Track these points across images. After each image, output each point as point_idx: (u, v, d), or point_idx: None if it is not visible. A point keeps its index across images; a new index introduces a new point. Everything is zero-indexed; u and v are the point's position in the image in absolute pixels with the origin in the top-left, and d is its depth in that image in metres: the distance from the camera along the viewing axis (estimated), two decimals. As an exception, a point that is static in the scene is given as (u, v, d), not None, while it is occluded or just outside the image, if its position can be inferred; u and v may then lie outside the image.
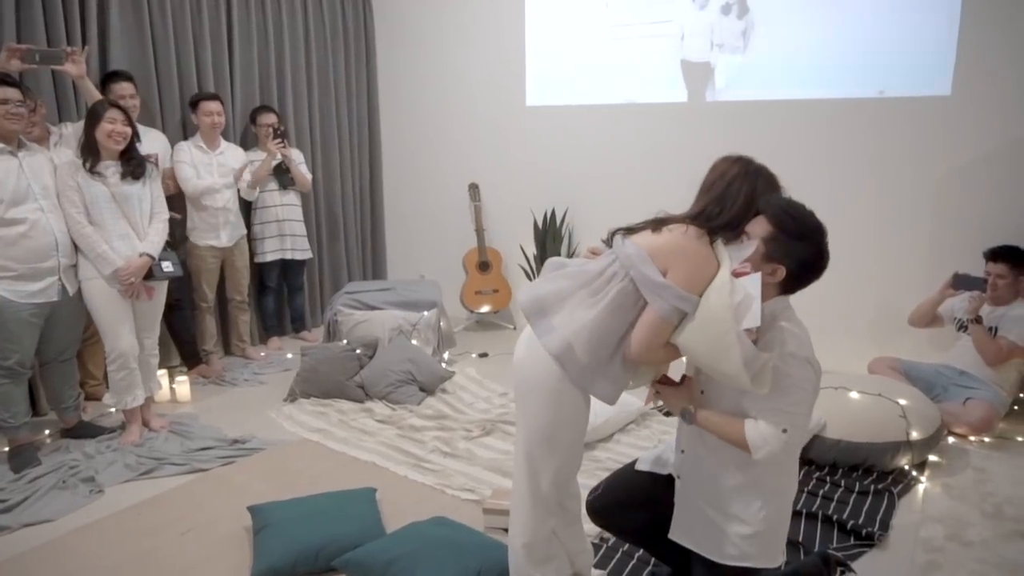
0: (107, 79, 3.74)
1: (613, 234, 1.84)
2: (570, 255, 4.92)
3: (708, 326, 1.68)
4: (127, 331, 3.29)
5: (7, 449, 3.16)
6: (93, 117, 3.15)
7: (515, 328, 4.39)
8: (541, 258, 4.86)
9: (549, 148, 4.88)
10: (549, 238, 4.79)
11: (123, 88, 3.72)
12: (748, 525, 1.79)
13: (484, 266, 5.11)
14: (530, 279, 4.95)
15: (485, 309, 5.11)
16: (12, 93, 2.95)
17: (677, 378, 1.96)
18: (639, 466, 2.11)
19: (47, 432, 3.45)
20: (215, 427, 3.53)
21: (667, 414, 3.58)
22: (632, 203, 4.47)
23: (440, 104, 5.30)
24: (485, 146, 5.16)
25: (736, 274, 1.69)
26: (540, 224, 4.87)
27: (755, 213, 1.75)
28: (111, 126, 3.13)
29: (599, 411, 3.19)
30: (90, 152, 3.15)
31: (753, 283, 1.66)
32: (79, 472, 3.04)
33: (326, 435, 3.42)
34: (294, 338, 4.96)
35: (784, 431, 1.69)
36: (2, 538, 2.61)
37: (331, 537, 2.39)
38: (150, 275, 3.29)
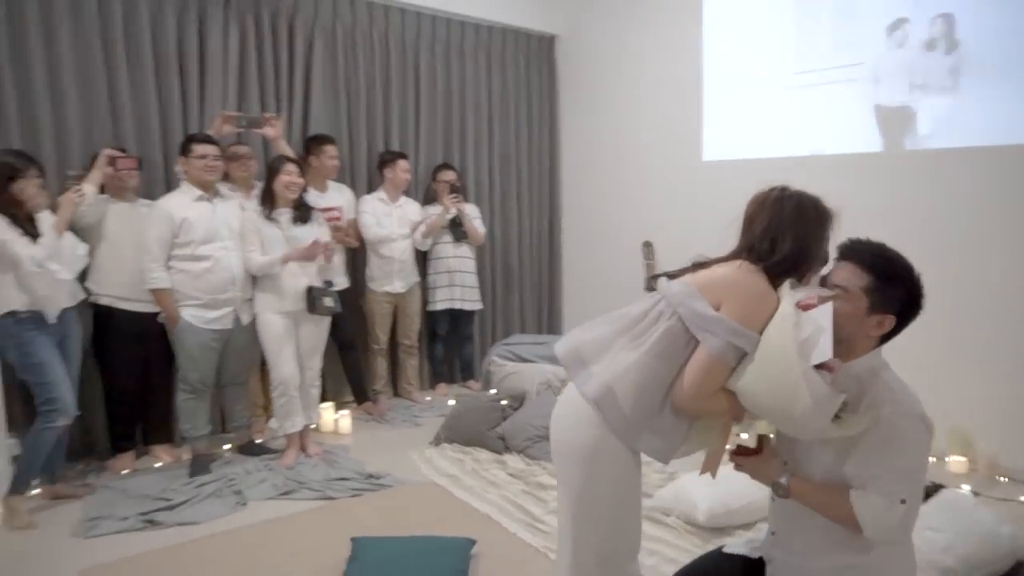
0: (314, 141, 4.24)
1: (652, 278, 1.65)
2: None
3: (769, 365, 1.44)
4: (289, 361, 3.62)
5: (191, 457, 3.61)
6: (273, 170, 3.59)
7: None
8: (711, 321, 4.50)
9: (726, 205, 4.53)
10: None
11: (331, 150, 4.20)
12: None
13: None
14: (699, 343, 4.60)
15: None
16: (211, 150, 3.47)
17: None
18: (728, 549, 1.81)
19: (227, 447, 3.87)
20: (360, 460, 3.70)
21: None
22: None
23: (616, 160, 5.25)
24: (660, 203, 4.99)
25: (802, 306, 1.41)
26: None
27: (823, 255, 1.51)
28: (288, 178, 3.53)
29: (740, 492, 2.82)
30: (268, 200, 3.58)
31: (824, 315, 1.41)
32: (234, 485, 3.36)
33: (455, 481, 3.42)
34: (461, 386, 5.10)
35: (902, 502, 1.41)
36: (154, 532, 2.96)
37: (408, 580, 2.35)
38: (312, 308, 3.60)
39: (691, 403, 1.54)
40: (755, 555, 1.72)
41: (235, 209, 3.59)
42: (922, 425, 1.46)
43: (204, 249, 3.42)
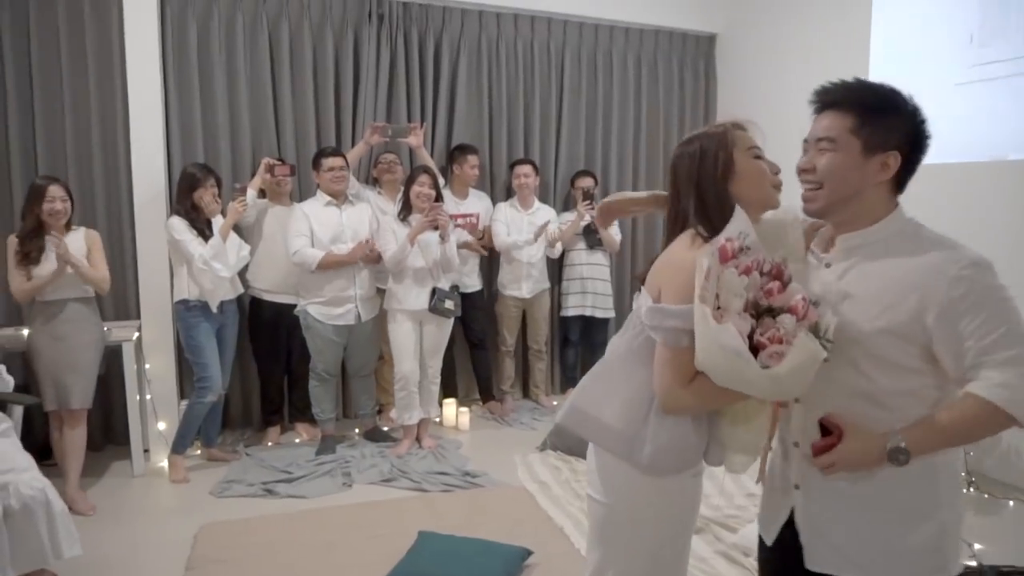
0: (459, 151, 4.49)
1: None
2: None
3: (698, 331, 1.27)
4: (411, 358, 3.86)
5: (320, 436, 4.01)
6: (410, 179, 3.85)
7: None
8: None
9: (912, 214, 4.05)
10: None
11: (472, 159, 4.43)
12: (933, 517, 1.28)
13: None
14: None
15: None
16: (338, 162, 3.82)
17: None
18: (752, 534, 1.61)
19: (356, 431, 4.24)
20: (465, 457, 3.86)
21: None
22: (1009, 285, 3.45)
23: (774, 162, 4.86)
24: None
25: (723, 251, 1.28)
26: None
27: (756, 171, 1.40)
28: (419, 188, 3.77)
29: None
30: (405, 207, 3.84)
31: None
32: (347, 467, 3.68)
33: (544, 489, 3.43)
34: (593, 393, 5.06)
35: None
36: (270, 500, 3.35)
37: (447, 579, 2.43)
38: (434, 308, 3.81)
39: (668, 403, 1.40)
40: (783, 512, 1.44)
41: (363, 215, 3.91)
42: (984, 270, 1.22)
43: (331, 250, 3.77)
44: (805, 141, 1.41)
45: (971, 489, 3.44)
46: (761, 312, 1.25)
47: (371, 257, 3.81)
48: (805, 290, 1.28)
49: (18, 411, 2.78)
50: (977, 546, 2.87)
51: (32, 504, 2.21)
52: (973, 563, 2.76)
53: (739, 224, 1.31)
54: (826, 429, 1.31)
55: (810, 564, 1.37)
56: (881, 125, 1.30)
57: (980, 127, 3.58)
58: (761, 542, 1.51)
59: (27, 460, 2.41)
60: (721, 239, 1.29)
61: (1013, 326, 1.20)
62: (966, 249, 1.26)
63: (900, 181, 1.34)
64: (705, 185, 1.40)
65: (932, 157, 4.04)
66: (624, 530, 1.48)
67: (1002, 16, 3.48)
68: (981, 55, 3.57)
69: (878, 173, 1.31)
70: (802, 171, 1.36)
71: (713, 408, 1.43)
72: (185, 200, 3.53)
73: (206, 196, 3.54)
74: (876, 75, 4.03)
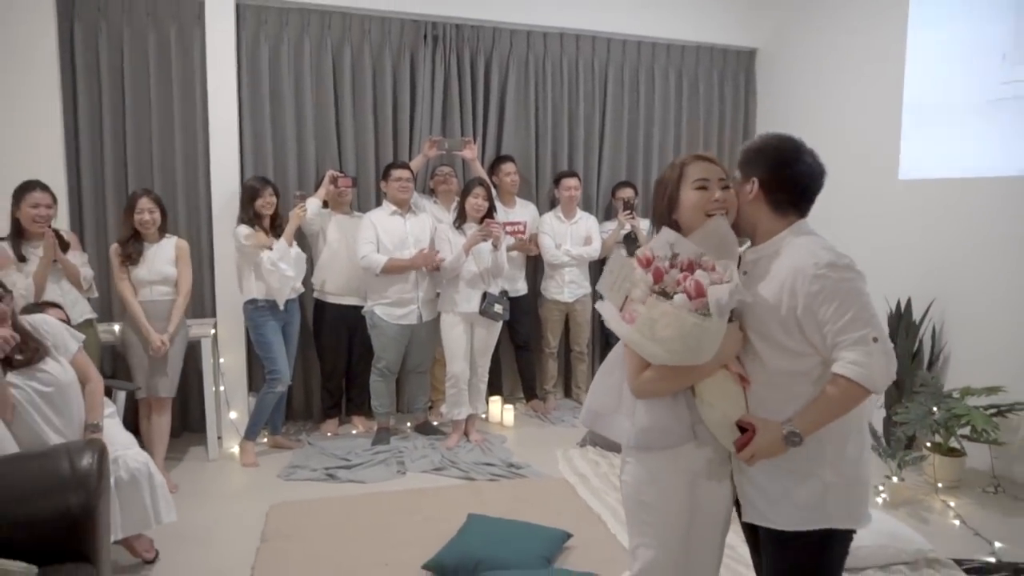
0: (496, 161, 4.79)
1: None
2: (932, 355, 4.07)
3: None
4: (462, 358, 4.15)
5: (376, 429, 4.32)
6: (466, 191, 4.14)
7: (873, 431, 3.80)
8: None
9: (921, 228, 4.17)
10: (902, 331, 4.06)
11: (508, 167, 4.72)
12: (817, 478, 1.58)
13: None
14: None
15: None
16: (406, 173, 4.13)
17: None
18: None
19: (408, 424, 4.54)
20: (510, 451, 4.12)
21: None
22: (1020, 297, 3.57)
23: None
24: (851, 222, 4.66)
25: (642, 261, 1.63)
26: (893, 313, 4.17)
27: (671, 201, 1.69)
28: (475, 200, 4.05)
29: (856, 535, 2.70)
30: (460, 216, 4.13)
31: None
32: (401, 456, 3.98)
33: (583, 481, 3.67)
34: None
35: (875, 339, 1.48)
36: (331, 484, 3.67)
37: (495, 557, 2.68)
38: (484, 312, 4.08)
39: (633, 386, 1.64)
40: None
41: (424, 224, 4.21)
42: (838, 268, 1.52)
43: (395, 256, 4.08)
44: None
45: (997, 491, 3.56)
46: (667, 295, 1.56)
47: (431, 263, 4.10)
48: (730, 283, 1.53)
49: (121, 397, 3.15)
50: (998, 544, 3.01)
51: (138, 476, 2.55)
52: (992, 559, 2.90)
53: (662, 239, 1.63)
54: (743, 428, 1.60)
55: (743, 518, 1.71)
56: (750, 159, 1.70)
57: (1013, 143, 3.70)
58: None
59: (130, 438, 2.77)
60: (645, 251, 1.61)
61: (859, 311, 1.49)
62: (828, 253, 1.55)
63: (777, 204, 1.65)
64: (658, 213, 1.73)
65: (956, 171, 4.30)
66: (638, 506, 1.70)
67: (1031, 36, 3.59)
68: (1014, 73, 3.69)
69: (748, 196, 1.67)
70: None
71: (669, 387, 1.62)
72: (248, 209, 3.89)
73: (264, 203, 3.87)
74: (910, 90, 4.21)
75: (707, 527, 1.70)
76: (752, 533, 1.76)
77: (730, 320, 1.60)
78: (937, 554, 2.83)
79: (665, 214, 1.70)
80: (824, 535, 1.59)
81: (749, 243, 1.72)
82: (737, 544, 2.93)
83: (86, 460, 2.02)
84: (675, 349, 1.53)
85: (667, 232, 1.65)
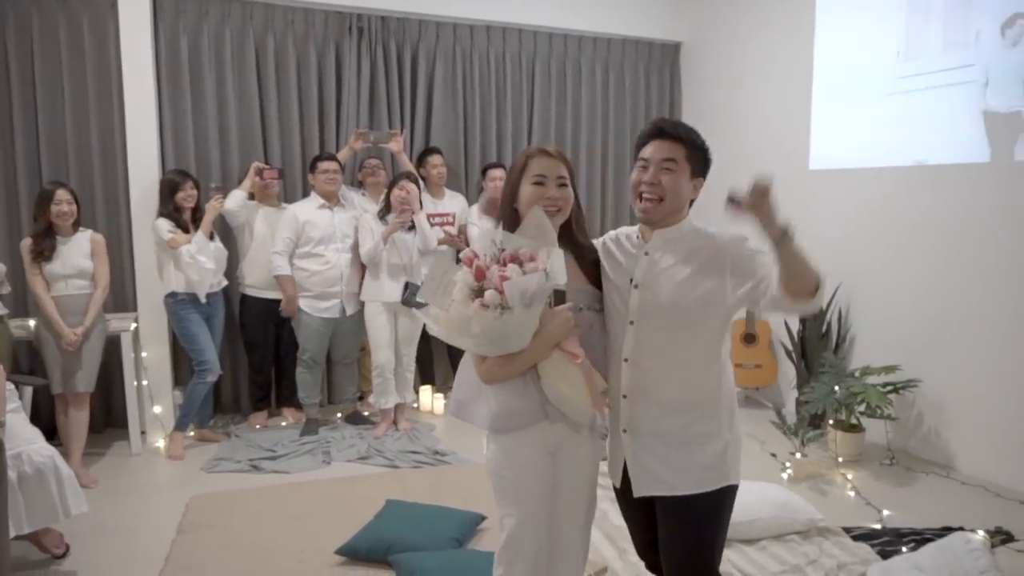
0: (424, 153, 4.83)
1: None
2: (839, 337, 4.29)
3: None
4: (386, 347, 4.19)
5: (304, 421, 4.34)
6: (391, 184, 4.17)
7: (778, 409, 3.98)
8: (803, 336, 4.35)
9: (829, 215, 4.37)
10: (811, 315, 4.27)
11: (435, 159, 4.76)
12: (719, 438, 1.72)
13: (749, 338, 4.78)
14: (791, 359, 4.46)
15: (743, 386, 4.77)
16: (333, 165, 4.15)
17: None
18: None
19: (338, 415, 4.57)
20: (437, 439, 4.19)
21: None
22: (919, 280, 3.87)
23: (728, 167, 5.17)
24: (767, 212, 4.86)
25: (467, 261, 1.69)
26: (804, 298, 4.37)
27: (512, 195, 1.77)
28: (399, 192, 4.08)
29: (749, 507, 2.86)
30: (386, 207, 4.16)
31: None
32: (327, 446, 4.01)
33: (505, 465, 3.76)
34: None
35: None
36: (255, 475, 3.68)
37: (407, 540, 2.75)
38: (406, 301, 4.13)
39: (480, 375, 1.74)
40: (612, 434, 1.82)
41: (351, 217, 4.24)
42: (742, 237, 1.71)
43: (320, 249, 4.10)
44: (643, 159, 1.75)
45: (891, 464, 3.78)
46: (481, 292, 1.61)
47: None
48: (537, 273, 1.58)
49: (28, 392, 3.11)
50: (886, 512, 3.21)
51: (43, 469, 2.53)
52: (878, 526, 3.10)
53: (486, 236, 1.69)
54: (734, 200, 1.57)
55: (636, 492, 1.76)
56: (699, 157, 1.74)
57: (904, 134, 3.91)
58: (613, 486, 1.88)
59: (35, 432, 2.74)
60: (468, 252, 1.66)
61: (760, 256, 1.66)
62: (729, 232, 1.73)
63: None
64: (503, 200, 1.80)
65: (863, 161, 4.53)
66: (499, 481, 1.78)
67: (923, 35, 3.80)
68: (906, 69, 3.89)
69: (693, 192, 1.76)
70: (649, 184, 1.70)
71: (509, 372, 1.69)
72: (168, 202, 3.86)
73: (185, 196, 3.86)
74: (819, 85, 4.40)
75: (569, 496, 1.80)
76: (644, 511, 1.81)
77: (558, 304, 1.67)
78: (828, 523, 3.00)
79: (507, 203, 1.78)
80: (722, 492, 1.72)
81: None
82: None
83: (-23, 455, 2.01)
84: (482, 343, 1.63)
85: (490, 229, 1.75)
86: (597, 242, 1.90)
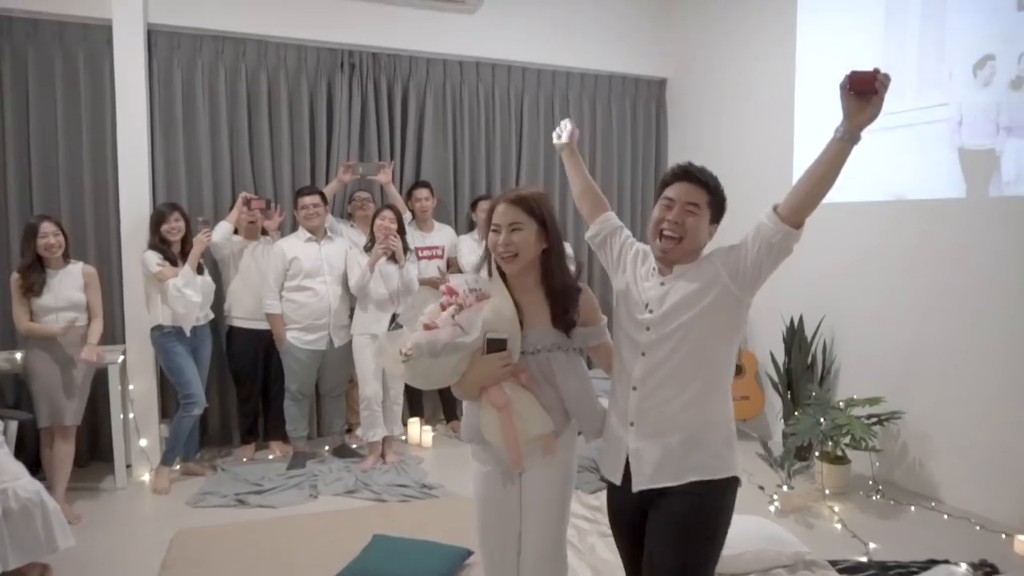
0: (413, 187, 4.88)
1: None
2: (824, 369, 4.33)
3: None
4: (373, 379, 4.20)
5: (291, 454, 4.32)
6: (374, 216, 4.21)
7: (764, 441, 4.00)
8: (788, 368, 4.39)
9: (811, 248, 4.41)
10: (795, 346, 4.32)
11: (421, 192, 4.81)
12: (724, 428, 1.77)
13: (736, 370, 4.80)
14: (777, 390, 4.49)
15: (735, 415, 4.80)
16: (312, 200, 4.19)
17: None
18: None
19: (326, 448, 4.55)
20: (425, 472, 4.18)
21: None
22: (901, 312, 3.92)
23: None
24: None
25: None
26: (787, 328, 4.43)
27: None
28: (380, 222, 4.13)
29: (737, 541, 2.85)
30: (371, 239, 4.21)
31: None
32: (315, 480, 3.99)
33: (493, 498, 3.75)
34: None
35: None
36: (242, 509, 3.66)
37: (391, 574, 2.75)
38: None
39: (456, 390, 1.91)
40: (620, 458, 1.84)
41: (340, 249, 4.27)
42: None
43: (308, 282, 4.12)
44: (668, 198, 1.80)
45: (877, 496, 3.80)
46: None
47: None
48: (443, 329, 1.77)
49: (12, 426, 3.10)
50: (872, 545, 3.22)
51: (29, 505, 2.52)
52: (864, 559, 3.11)
53: (463, 278, 1.90)
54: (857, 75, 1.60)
55: (636, 486, 1.77)
56: (718, 205, 1.81)
57: (884, 170, 4.00)
58: (610, 485, 1.90)
59: (19, 467, 2.73)
60: (451, 283, 1.86)
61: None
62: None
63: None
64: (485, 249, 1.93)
65: (845, 196, 4.62)
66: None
67: (899, 74, 3.91)
68: (884, 106, 3.99)
69: (708, 236, 1.82)
70: (673, 223, 1.76)
71: (460, 393, 1.91)
72: (155, 235, 3.89)
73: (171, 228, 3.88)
74: (800, 118, 4.51)
75: (496, 520, 1.95)
76: (639, 517, 1.81)
77: (492, 351, 1.77)
78: (814, 556, 3.01)
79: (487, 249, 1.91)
80: (726, 484, 1.77)
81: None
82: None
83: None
84: (408, 377, 1.84)
85: (464, 275, 1.92)
86: (634, 247, 1.95)
